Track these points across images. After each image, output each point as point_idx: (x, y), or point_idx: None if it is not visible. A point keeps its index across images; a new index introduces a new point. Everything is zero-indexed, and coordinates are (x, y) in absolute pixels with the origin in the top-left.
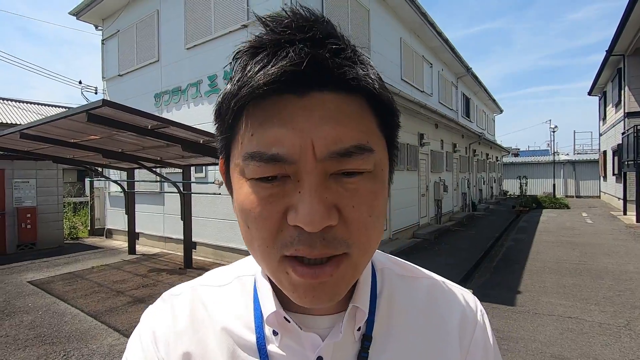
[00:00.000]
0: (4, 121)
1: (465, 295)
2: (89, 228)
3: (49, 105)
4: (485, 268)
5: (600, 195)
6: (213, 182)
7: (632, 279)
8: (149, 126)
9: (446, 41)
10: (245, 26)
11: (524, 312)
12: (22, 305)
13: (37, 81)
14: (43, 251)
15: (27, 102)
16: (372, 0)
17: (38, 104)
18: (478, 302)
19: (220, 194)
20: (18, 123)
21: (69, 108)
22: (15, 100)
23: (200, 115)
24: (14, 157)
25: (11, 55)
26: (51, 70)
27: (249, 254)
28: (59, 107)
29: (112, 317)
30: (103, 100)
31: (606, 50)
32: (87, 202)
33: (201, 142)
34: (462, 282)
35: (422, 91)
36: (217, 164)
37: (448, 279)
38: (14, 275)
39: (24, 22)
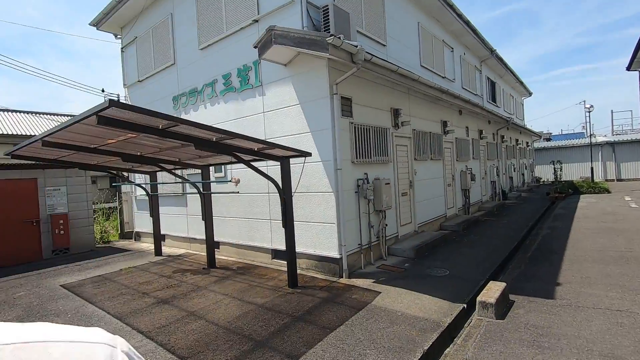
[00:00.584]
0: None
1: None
2: (119, 232)
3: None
4: (519, 259)
5: None
6: (230, 181)
7: None
8: (160, 126)
9: (467, 23)
10: (256, 21)
11: (566, 306)
12: (54, 308)
13: (72, 94)
14: (76, 255)
15: (62, 115)
16: None
17: (72, 116)
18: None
19: (238, 192)
20: None
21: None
22: (52, 114)
23: (216, 115)
24: (44, 166)
25: (46, 71)
26: (82, 83)
27: (270, 253)
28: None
29: (137, 318)
30: (110, 100)
31: None
32: (117, 206)
33: (214, 139)
34: (495, 275)
35: (443, 77)
36: (234, 162)
37: (479, 271)
38: (48, 280)
39: (57, 40)
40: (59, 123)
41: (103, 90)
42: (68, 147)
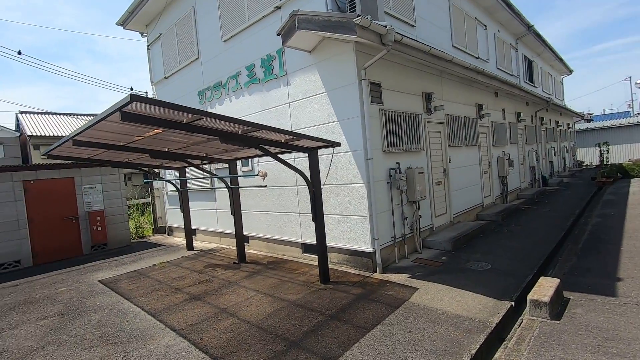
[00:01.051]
0: None
1: None
2: (152, 227)
3: None
4: (569, 250)
5: None
6: (257, 174)
7: None
8: (185, 120)
9: None
10: (278, 7)
11: (631, 305)
12: (92, 304)
13: (106, 96)
14: (113, 250)
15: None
16: None
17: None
18: None
19: (266, 186)
20: None
21: None
22: (89, 115)
23: (241, 107)
24: (79, 165)
25: (80, 73)
26: (113, 84)
27: (300, 247)
28: None
29: (169, 315)
30: (131, 95)
31: None
32: (150, 202)
33: (239, 132)
34: (543, 269)
35: (477, 57)
36: (261, 155)
37: (525, 265)
38: (87, 275)
39: (91, 44)
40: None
41: (132, 89)
42: (98, 146)
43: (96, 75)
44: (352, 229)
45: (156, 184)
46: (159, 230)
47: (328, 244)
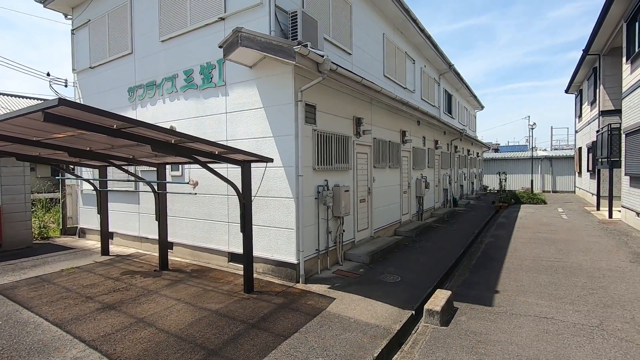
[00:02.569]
0: None
1: None
2: (60, 227)
3: (20, 97)
4: (464, 266)
5: (575, 191)
6: (188, 183)
7: (604, 276)
8: (115, 126)
9: (429, 38)
10: (222, 19)
11: (502, 313)
12: None
13: (13, 71)
14: (9, 253)
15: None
16: None
17: (8, 95)
18: None
19: (196, 194)
20: None
21: (42, 100)
22: None
23: (176, 111)
24: None
25: None
26: (20, 63)
27: (226, 256)
28: (31, 98)
29: (79, 325)
30: (59, 99)
31: (583, 50)
32: (59, 198)
33: (172, 142)
34: (442, 282)
35: (404, 87)
36: (193, 163)
37: (428, 278)
38: None
39: None
40: None
41: (48, 74)
42: (6, 139)
43: (0, 46)
44: (279, 240)
45: (69, 180)
46: (68, 231)
47: (255, 254)
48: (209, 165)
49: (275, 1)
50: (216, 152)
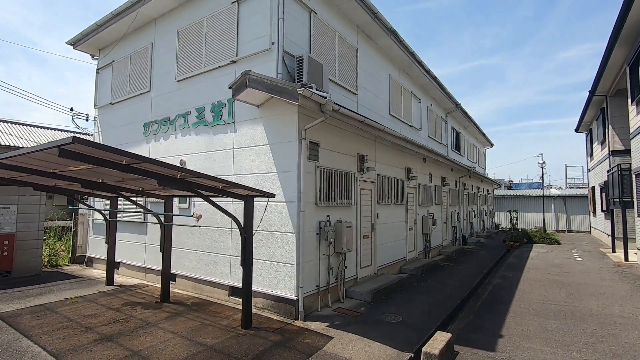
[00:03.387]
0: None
1: None
2: (70, 255)
3: (44, 128)
4: (470, 308)
5: (590, 231)
6: (192, 216)
7: (615, 323)
8: (124, 161)
9: (435, 79)
10: (234, 62)
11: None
12: None
13: (36, 104)
14: (18, 280)
15: (25, 125)
16: (361, 40)
17: (36, 126)
18: None
19: (200, 226)
20: (14, 145)
21: (67, 131)
22: (14, 123)
23: (187, 146)
24: None
25: (7, 83)
26: (47, 98)
27: (227, 289)
28: (55, 129)
29: (75, 356)
30: (73, 137)
31: (589, 91)
32: (72, 227)
33: (178, 176)
34: (444, 324)
35: (410, 125)
36: (197, 196)
37: (430, 319)
38: None
39: (29, 44)
40: (20, 131)
41: (71, 109)
42: (26, 171)
43: (30, 79)
44: (279, 275)
45: (82, 209)
46: (77, 260)
47: (255, 288)
48: (211, 199)
49: (283, 46)
50: (219, 187)
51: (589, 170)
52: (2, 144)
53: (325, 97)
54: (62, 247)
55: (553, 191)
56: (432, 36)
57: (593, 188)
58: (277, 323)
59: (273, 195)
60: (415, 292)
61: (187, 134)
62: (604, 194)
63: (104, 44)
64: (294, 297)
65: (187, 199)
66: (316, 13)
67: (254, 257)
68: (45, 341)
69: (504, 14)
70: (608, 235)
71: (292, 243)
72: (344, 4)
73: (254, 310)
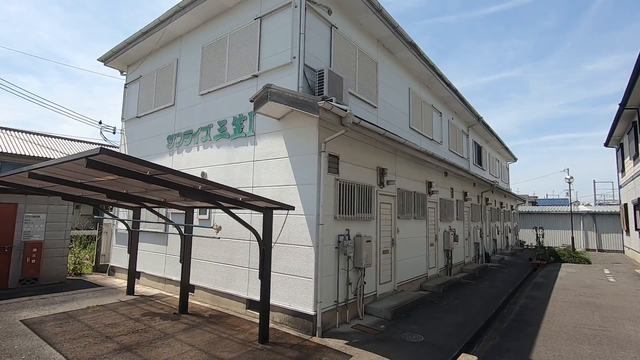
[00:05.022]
0: (30, 154)
1: None
2: (93, 264)
3: (76, 140)
4: (495, 329)
5: (624, 250)
6: (212, 227)
7: None
8: (148, 172)
9: (455, 92)
10: (255, 76)
11: None
12: (8, 347)
13: (66, 117)
14: (44, 287)
15: (55, 137)
16: (381, 54)
17: (66, 139)
18: None
19: (219, 238)
20: (44, 157)
21: (95, 144)
22: (45, 135)
23: (208, 158)
24: (26, 192)
25: (39, 96)
26: (77, 111)
27: (245, 302)
28: (83, 142)
29: None
30: (101, 148)
31: (619, 104)
32: (96, 236)
33: (199, 188)
34: (469, 345)
35: (431, 139)
36: (217, 208)
37: (454, 340)
38: (9, 313)
39: (63, 61)
40: (51, 143)
41: (100, 122)
42: (55, 181)
43: (62, 93)
44: (297, 289)
45: (106, 219)
46: (99, 268)
47: (272, 302)
48: (231, 210)
49: (304, 60)
50: (239, 199)
51: (620, 187)
52: (34, 155)
53: (346, 110)
54: (86, 255)
55: (582, 208)
56: (451, 49)
57: (625, 205)
58: (294, 338)
59: (292, 208)
60: (436, 311)
61: (208, 146)
62: (637, 212)
63: (132, 60)
64: (311, 312)
65: (208, 210)
66: (337, 28)
67: (272, 270)
68: (67, 349)
69: (526, 26)
70: None
71: (311, 257)
72: (364, 18)
73: (271, 325)
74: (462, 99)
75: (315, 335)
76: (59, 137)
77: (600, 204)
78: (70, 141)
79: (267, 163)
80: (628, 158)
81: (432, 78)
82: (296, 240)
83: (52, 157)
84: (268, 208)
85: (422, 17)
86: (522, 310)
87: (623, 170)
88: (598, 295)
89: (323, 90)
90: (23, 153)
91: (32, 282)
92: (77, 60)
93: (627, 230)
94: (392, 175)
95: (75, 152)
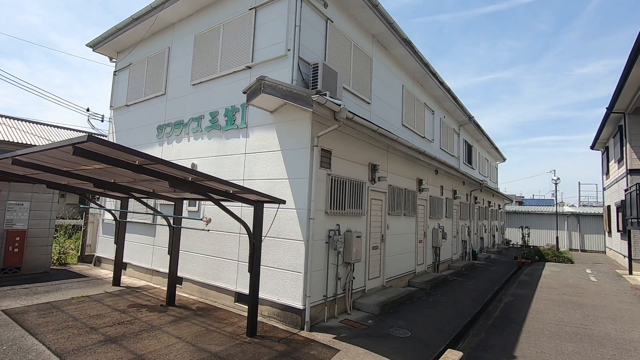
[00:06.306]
0: (15, 140)
1: None
2: (78, 254)
3: (63, 128)
4: (481, 325)
5: (605, 251)
6: (201, 219)
7: (636, 349)
8: (137, 162)
9: (448, 90)
10: (249, 67)
11: None
12: None
13: (54, 103)
14: (27, 276)
15: (42, 124)
16: (376, 50)
17: (53, 126)
18: None
19: (209, 230)
20: (30, 143)
21: (83, 131)
22: (31, 122)
23: (199, 149)
24: (10, 179)
25: (26, 82)
26: (64, 99)
27: (233, 295)
28: (69, 129)
29: (79, 357)
30: (88, 135)
31: (607, 108)
32: (82, 226)
33: (189, 179)
34: (455, 341)
35: (423, 137)
36: (208, 200)
37: (440, 336)
38: None
39: (50, 46)
40: (37, 130)
41: (88, 110)
42: (40, 168)
43: (50, 79)
44: (286, 283)
45: (93, 209)
46: (85, 259)
47: (261, 296)
48: (222, 203)
49: (298, 53)
50: (230, 191)
51: (604, 189)
52: (19, 141)
53: (340, 105)
54: (71, 245)
55: (566, 209)
56: (446, 48)
57: (609, 207)
58: (282, 332)
59: (284, 202)
60: (424, 307)
61: (199, 137)
62: (620, 214)
63: (123, 47)
64: (300, 307)
65: (197, 202)
66: (332, 22)
67: (261, 263)
68: (50, 340)
69: (521, 28)
70: (624, 256)
71: (301, 251)
72: (360, 13)
73: (259, 318)
74: (454, 98)
75: (303, 330)
76: (45, 124)
77: (584, 206)
78: (57, 128)
79: (259, 156)
80: (613, 161)
81: (426, 76)
82: (287, 234)
83: (38, 144)
84: (259, 201)
85: (417, 15)
86: (507, 308)
87: (608, 172)
88: (580, 294)
89: (317, 84)
90: (8, 139)
91: (15, 271)
92: (66, 46)
93: (609, 232)
94: (383, 172)
95: (62, 140)
